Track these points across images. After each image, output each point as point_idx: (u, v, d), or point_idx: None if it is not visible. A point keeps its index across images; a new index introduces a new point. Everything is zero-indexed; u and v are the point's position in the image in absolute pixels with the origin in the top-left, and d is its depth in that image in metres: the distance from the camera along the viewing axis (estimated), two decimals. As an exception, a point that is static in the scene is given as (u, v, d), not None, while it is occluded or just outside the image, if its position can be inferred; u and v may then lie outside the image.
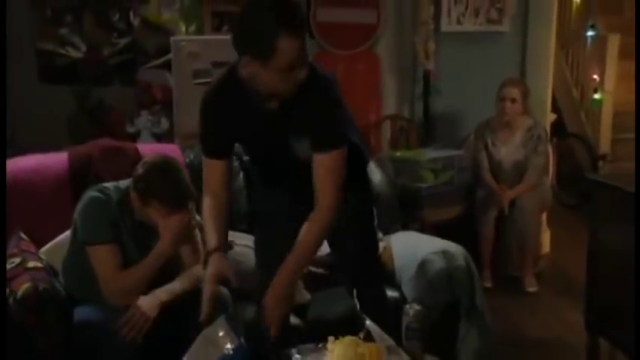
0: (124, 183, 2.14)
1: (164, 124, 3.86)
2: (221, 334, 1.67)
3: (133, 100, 3.97)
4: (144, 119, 3.89)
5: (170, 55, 3.69)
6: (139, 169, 2.07)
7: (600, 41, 5.46)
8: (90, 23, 4.08)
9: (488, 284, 3.68)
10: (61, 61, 4.03)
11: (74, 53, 4.02)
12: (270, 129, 1.86)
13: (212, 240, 1.89)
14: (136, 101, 3.94)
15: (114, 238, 2.05)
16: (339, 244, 2.17)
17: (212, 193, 1.95)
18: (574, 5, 5.80)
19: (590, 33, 5.63)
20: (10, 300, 1.99)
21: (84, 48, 4.01)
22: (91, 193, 2.09)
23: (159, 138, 3.83)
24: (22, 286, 1.97)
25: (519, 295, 3.70)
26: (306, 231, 1.88)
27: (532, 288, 3.74)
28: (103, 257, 2.02)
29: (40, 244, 2.40)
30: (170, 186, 2.03)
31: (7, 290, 2.04)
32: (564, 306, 3.47)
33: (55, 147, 3.47)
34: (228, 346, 1.65)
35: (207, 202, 1.94)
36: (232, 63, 1.86)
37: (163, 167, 2.06)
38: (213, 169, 1.95)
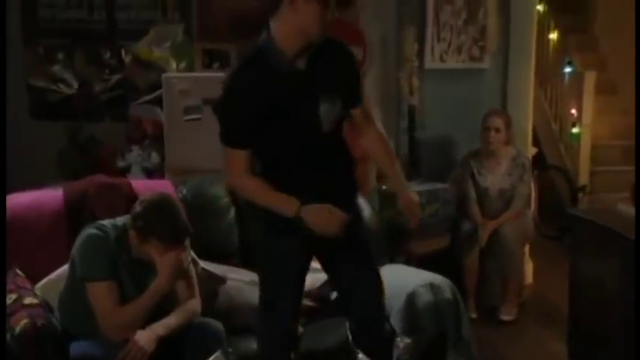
0: (120, 220, 2.20)
1: (154, 158, 3.90)
2: (219, 368, 1.72)
3: (124, 135, 4.01)
4: (135, 154, 3.92)
5: (161, 91, 3.77)
6: (138, 207, 2.13)
7: (577, 77, 5.64)
8: (81, 60, 4.16)
9: (473, 315, 3.74)
10: (53, 97, 4.10)
11: (66, 89, 4.08)
12: (300, 93, 1.97)
13: (290, 200, 1.98)
14: (127, 136, 3.98)
15: (112, 274, 2.10)
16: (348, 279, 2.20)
17: (249, 172, 2.02)
18: (551, 43, 6.00)
19: (567, 69, 5.81)
20: (9, 336, 2.03)
21: (75, 84, 4.08)
22: (89, 230, 2.14)
23: (149, 172, 3.87)
24: (20, 323, 2.02)
25: (503, 325, 3.77)
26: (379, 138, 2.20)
27: (508, 317, 3.80)
28: (101, 294, 2.07)
29: (35, 279, 2.43)
30: (168, 224, 2.09)
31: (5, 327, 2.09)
32: (547, 336, 3.54)
33: (45, 182, 3.56)
34: (226, 379, 1.70)
35: (253, 181, 2.02)
36: (256, 39, 2.02)
37: (161, 205, 2.12)
38: (239, 157, 2.02)
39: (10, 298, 2.17)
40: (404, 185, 2.34)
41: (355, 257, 2.19)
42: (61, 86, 4.08)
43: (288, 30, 1.96)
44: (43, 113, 4.13)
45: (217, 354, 1.76)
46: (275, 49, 1.97)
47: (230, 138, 2.03)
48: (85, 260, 2.10)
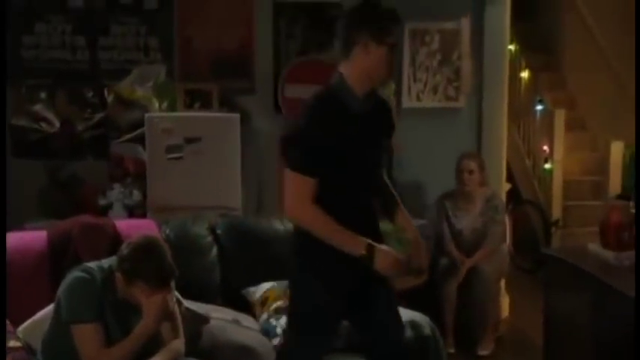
0: (106, 262, 2.23)
1: (136, 196, 3.93)
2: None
3: (105, 173, 4.05)
4: (116, 192, 3.94)
5: (142, 130, 3.83)
6: (124, 250, 2.17)
7: (548, 115, 5.82)
8: (63, 100, 4.19)
9: (452, 350, 3.80)
10: (35, 136, 4.11)
11: (47, 128, 4.10)
12: (365, 132, 2.17)
13: (359, 238, 2.09)
14: (109, 174, 4.01)
15: (98, 317, 2.12)
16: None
17: (314, 202, 2.10)
18: (523, 81, 6.20)
19: (538, 107, 6.00)
20: (-7, 380, 2.04)
21: (57, 123, 4.10)
22: (75, 273, 2.17)
23: (131, 210, 3.90)
24: (5, 366, 2.02)
25: (479, 359, 3.84)
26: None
27: (485, 351, 3.88)
28: (87, 336, 2.09)
29: (17, 322, 2.42)
30: (155, 266, 2.14)
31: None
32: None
33: (26, 220, 3.56)
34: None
35: (318, 212, 2.09)
36: (329, 81, 2.22)
37: (148, 248, 2.16)
38: (306, 184, 2.10)
39: (-6, 341, 2.18)
40: (412, 223, 2.46)
41: (389, 296, 2.34)
42: (43, 125, 4.10)
43: (359, 72, 2.15)
44: (25, 152, 4.14)
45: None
46: (347, 89, 2.15)
47: (302, 164, 2.11)
48: (72, 303, 2.12)
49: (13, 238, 2.75)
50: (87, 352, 2.09)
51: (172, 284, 2.21)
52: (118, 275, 2.16)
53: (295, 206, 2.13)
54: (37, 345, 2.28)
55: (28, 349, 2.28)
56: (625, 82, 5.65)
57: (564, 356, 2.87)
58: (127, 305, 2.19)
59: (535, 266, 5.16)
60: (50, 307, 2.38)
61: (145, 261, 2.13)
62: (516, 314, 4.48)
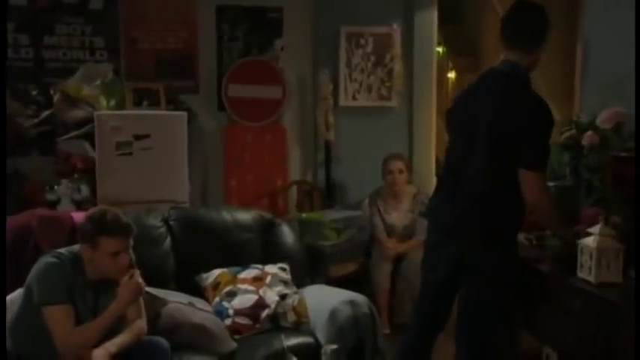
0: (76, 247, 2.39)
1: (84, 191, 4.01)
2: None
3: (51, 169, 4.11)
4: (64, 187, 4.01)
5: (89, 127, 3.93)
6: (83, 223, 2.35)
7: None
8: (7, 97, 4.22)
9: (387, 331, 4.08)
10: (-23, 132, 4.13)
11: (-9, 125, 4.13)
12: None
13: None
14: (55, 170, 4.07)
15: (69, 299, 2.28)
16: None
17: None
18: (450, 82, 6.60)
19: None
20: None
21: (1, 120, 4.14)
22: (46, 258, 2.32)
23: (78, 205, 4.00)
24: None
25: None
26: None
27: None
28: (58, 317, 2.24)
29: (-19, 308, 2.56)
30: (113, 218, 2.34)
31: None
32: (451, 344, 3.92)
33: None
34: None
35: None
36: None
37: (103, 209, 2.39)
38: (544, 175, 2.43)
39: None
40: None
41: None
42: (-14, 122, 4.12)
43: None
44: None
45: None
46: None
47: (545, 158, 2.41)
48: (44, 286, 2.27)
49: (-28, 231, 2.85)
50: (59, 331, 2.24)
51: (131, 241, 2.39)
52: (84, 247, 2.32)
53: (540, 192, 2.38)
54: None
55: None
56: (539, 83, 6.10)
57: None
58: (95, 287, 2.36)
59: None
60: (15, 293, 2.52)
61: (103, 217, 2.33)
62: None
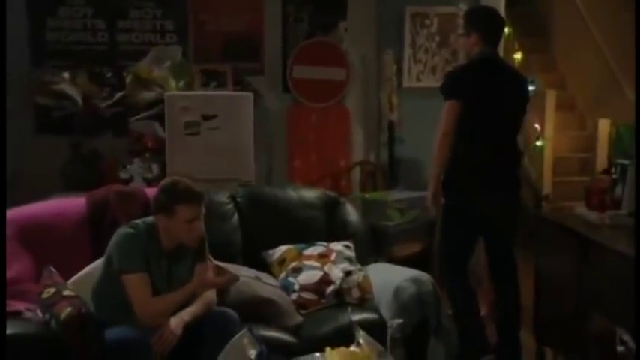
0: (149, 219, 2.51)
1: (155, 170, 4.17)
2: (245, 341, 2.04)
3: (125, 149, 4.29)
4: (136, 166, 4.17)
5: (159, 108, 4.07)
6: (157, 195, 2.46)
7: (540, 95, 6.10)
8: (84, 79, 4.43)
9: (449, 312, 4.09)
10: (58, 113, 4.35)
11: (71, 106, 4.34)
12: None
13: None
14: (128, 150, 4.24)
15: (144, 267, 2.40)
16: None
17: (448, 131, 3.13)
18: (516, 63, 6.46)
19: (531, 87, 6.26)
20: (53, 322, 2.32)
21: (80, 102, 4.34)
22: (124, 229, 2.45)
23: (150, 183, 4.15)
24: (65, 310, 2.29)
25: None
26: None
27: (481, 312, 4.16)
28: (137, 283, 2.37)
29: (64, 278, 2.70)
30: (186, 186, 2.46)
31: (48, 315, 2.37)
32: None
33: (51, 193, 3.81)
34: (252, 351, 2.02)
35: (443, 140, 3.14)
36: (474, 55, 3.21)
37: (174, 180, 2.50)
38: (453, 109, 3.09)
39: (49, 291, 2.45)
40: None
41: None
42: (66, 103, 4.34)
43: None
44: (49, 128, 4.39)
45: (244, 331, 2.08)
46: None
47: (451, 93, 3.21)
48: (122, 255, 2.40)
49: (53, 204, 3.02)
50: (137, 298, 2.37)
51: (203, 208, 2.50)
52: (159, 217, 2.43)
53: None
54: (84, 295, 2.54)
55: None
56: (612, 64, 5.93)
57: (552, 312, 3.18)
58: (169, 256, 2.48)
59: (526, 239, 5.44)
60: (95, 263, 2.67)
61: (177, 186, 2.45)
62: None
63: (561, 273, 2.98)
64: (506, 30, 5.85)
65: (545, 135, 5.94)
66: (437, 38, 4.59)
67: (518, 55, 6.47)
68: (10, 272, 2.57)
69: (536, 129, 6.12)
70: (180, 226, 2.43)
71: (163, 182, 2.54)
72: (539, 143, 6.06)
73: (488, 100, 3.12)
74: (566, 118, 6.35)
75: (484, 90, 3.12)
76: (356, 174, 4.67)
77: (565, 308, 2.93)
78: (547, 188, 5.90)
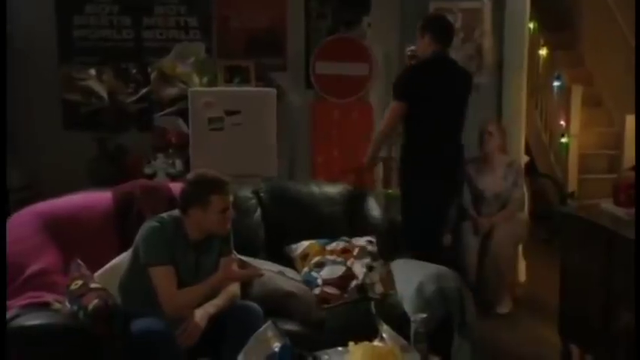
0: (174, 212, 2.54)
1: (178, 165, 4.21)
2: (270, 334, 2.05)
3: (149, 144, 4.34)
4: (160, 161, 4.22)
5: (183, 103, 4.10)
6: (187, 189, 2.50)
7: (565, 91, 6.03)
8: (110, 76, 4.48)
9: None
10: (85, 109, 4.41)
11: (97, 102, 4.40)
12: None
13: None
14: (152, 145, 4.30)
15: (171, 259, 2.43)
16: None
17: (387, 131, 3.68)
18: (541, 59, 6.40)
19: (556, 83, 6.20)
20: (80, 314, 2.36)
21: (106, 98, 4.40)
22: (150, 223, 2.48)
23: (173, 178, 4.19)
24: (92, 302, 2.34)
25: (500, 317, 4.10)
26: None
27: (504, 310, 4.14)
28: (162, 277, 2.40)
29: (90, 270, 2.73)
30: (218, 178, 2.50)
31: (75, 307, 2.41)
32: (539, 325, 3.87)
33: (77, 187, 3.87)
34: (276, 344, 2.03)
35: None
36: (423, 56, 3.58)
37: (203, 172, 2.55)
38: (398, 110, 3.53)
39: (77, 283, 2.49)
40: None
41: None
42: (93, 99, 4.40)
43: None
44: (75, 124, 4.45)
45: (268, 324, 2.09)
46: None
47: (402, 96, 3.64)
48: (149, 248, 2.43)
49: (80, 198, 3.06)
50: (163, 291, 2.40)
51: (231, 197, 2.56)
52: (194, 211, 2.46)
53: None
54: (111, 288, 2.57)
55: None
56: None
57: (578, 309, 3.14)
58: (196, 248, 2.50)
59: (551, 236, 5.39)
60: (121, 257, 2.71)
61: (207, 177, 2.49)
62: (533, 279, 4.72)
63: (588, 270, 2.94)
64: (531, 25, 5.83)
65: (571, 131, 5.86)
66: (461, 33, 4.55)
67: (543, 51, 6.40)
68: (40, 264, 2.62)
69: (561, 125, 6.04)
70: (214, 216, 2.47)
71: (191, 176, 2.57)
72: (564, 140, 5.98)
73: (433, 98, 3.51)
74: (593, 114, 6.26)
75: (430, 89, 3.51)
76: (378, 170, 4.66)
77: (592, 306, 2.90)
78: (572, 186, 5.83)
